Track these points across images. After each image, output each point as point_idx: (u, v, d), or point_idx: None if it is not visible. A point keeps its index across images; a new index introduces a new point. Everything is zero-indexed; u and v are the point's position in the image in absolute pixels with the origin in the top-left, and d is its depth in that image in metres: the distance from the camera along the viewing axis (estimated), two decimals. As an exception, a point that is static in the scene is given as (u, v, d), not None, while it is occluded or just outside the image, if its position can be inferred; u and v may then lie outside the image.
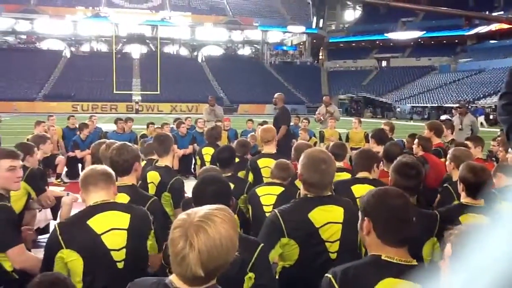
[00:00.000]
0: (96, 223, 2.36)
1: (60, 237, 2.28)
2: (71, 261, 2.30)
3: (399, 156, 3.18)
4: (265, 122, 9.87)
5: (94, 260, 2.31)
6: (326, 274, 1.77)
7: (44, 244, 4.87)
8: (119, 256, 2.38)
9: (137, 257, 2.48)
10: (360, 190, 3.29)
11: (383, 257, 1.73)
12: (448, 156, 3.92)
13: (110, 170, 2.61)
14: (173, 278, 1.42)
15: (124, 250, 2.40)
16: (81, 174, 2.59)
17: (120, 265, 2.38)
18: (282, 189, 3.55)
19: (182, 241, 1.31)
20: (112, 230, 2.38)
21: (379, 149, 4.63)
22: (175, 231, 1.34)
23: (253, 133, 10.08)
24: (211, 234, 1.31)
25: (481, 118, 31.53)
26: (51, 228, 5.04)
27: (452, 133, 7.14)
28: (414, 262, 1.74)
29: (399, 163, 2.92)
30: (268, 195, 3.53)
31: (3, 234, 2.71)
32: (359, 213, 1.87)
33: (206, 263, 1.30)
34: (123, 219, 2.45)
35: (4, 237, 2.71)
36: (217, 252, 1.31)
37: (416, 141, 4.99)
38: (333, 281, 1.71)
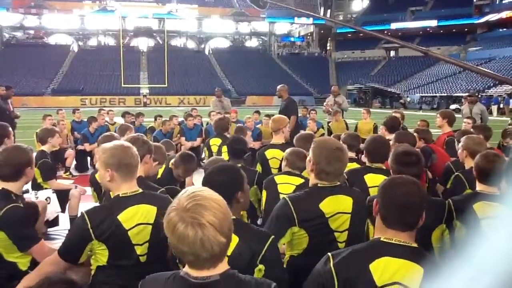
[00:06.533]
0: (125, 217, 2.35)
1: (91, 230, 2.26)
2: (96, 251, 2.32)
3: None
4: (271, 115, 9.80)
5: (119, 253, 2.34)
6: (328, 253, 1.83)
7: (54, 236, 4.90)
8: (142, 250, 2.40)
9: (159, 249, 2.45)
10: (373, 179, 3.25)
11: (382, 239, 1.78)
12: (461, 144, 3.86)
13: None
14: (187, 269, 1.43)
15: (147, 244, 2.40)
16: (114, 155, 2.36)
17: (142, 259, 2.40)
18: (302, 180, 3.44)
19: (190, 229, 1.32)
20: (138, 225, 2.37)
21: (391, 137, 4.56)
22: (178, 225, 1.34)
23: (260, 124, 10.04)
24: (207, 203, 1.36)
25: (495, 107, 31.17)
26: (60, 221, 5.08)
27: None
28: (415, 245, 1.76)
29: (397, 153, 2.87)
30: (287, 184, 3.45)
31: (22, 234, 2.72)
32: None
33: (221, 228, 1.35)
34: (150, 213, 2.43)
35: (23, 237, 2.72)
36: (222, 213, 1.37)
37: (415, 135, 4.89)
38: (331, 258, 1.78)
